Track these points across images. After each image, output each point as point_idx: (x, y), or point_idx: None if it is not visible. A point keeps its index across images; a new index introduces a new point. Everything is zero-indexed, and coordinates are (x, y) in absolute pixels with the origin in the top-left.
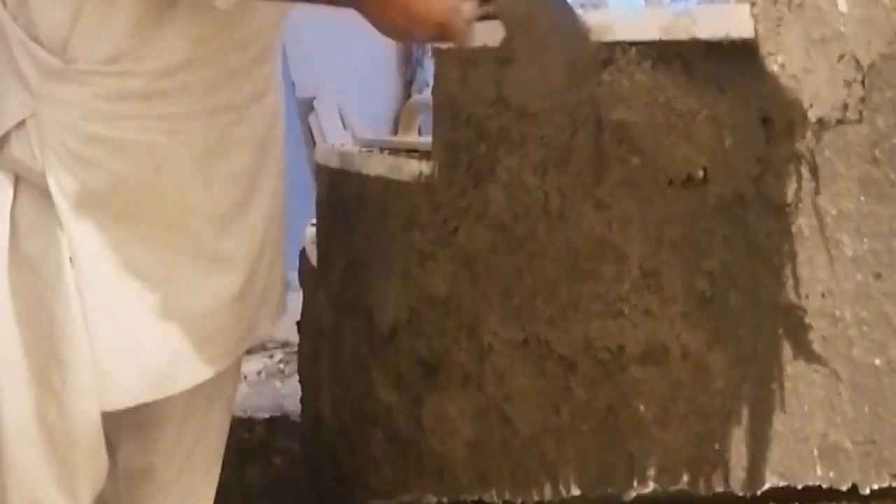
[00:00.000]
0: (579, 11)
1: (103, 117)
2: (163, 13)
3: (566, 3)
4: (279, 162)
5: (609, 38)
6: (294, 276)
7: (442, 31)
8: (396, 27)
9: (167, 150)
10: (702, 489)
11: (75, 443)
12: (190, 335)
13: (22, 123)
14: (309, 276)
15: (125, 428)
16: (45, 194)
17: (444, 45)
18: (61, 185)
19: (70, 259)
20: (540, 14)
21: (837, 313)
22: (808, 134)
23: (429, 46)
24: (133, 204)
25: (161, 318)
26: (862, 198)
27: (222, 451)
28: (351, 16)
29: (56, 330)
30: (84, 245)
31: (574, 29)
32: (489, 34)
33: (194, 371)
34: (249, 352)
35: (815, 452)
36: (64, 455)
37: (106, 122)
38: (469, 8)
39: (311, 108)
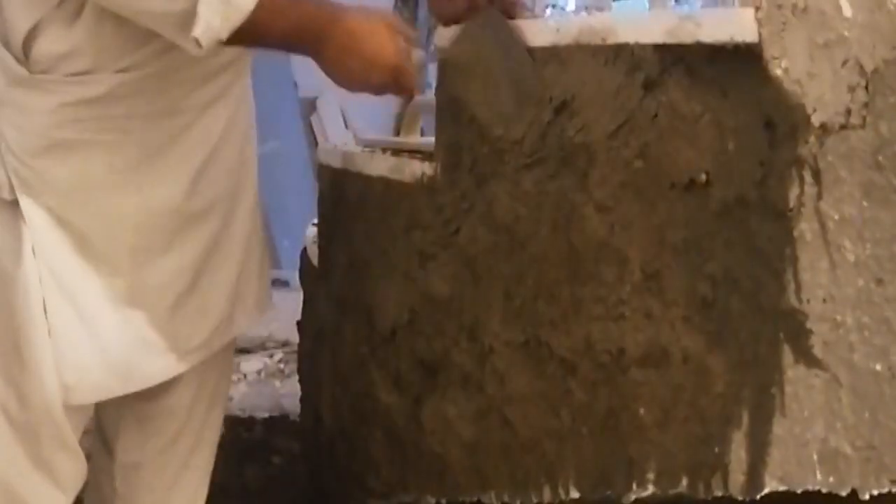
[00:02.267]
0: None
1: (64, 121)
2: (122, 25)
3: (507, 34)
4: (244, 160)
5: (612, 40)
6: (295, 276)
7: (396, 77)
8: (352, 75)
9: (121, 148)
10: (701, 493)
11: (37, 434)
12: (159, 329)
13: None
14: (310, 276)
15: (127, 422)
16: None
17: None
18: (23, 181)
19: (33, 250)
20: (485, 56)
21: (838, 318)
22: (811, 139)
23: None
24: (92, 201)
25: (127, 312)
26: (864, 203)
27: (215, 449)
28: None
29: (15, 322)
30: (46, 239)
31: (518, 63)
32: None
33: (167, 366)
34: (249, 351)
35: (815, 457)
36: (30, 446)
37: (65, 126)
38: (419, 55)
39: (314, 108)
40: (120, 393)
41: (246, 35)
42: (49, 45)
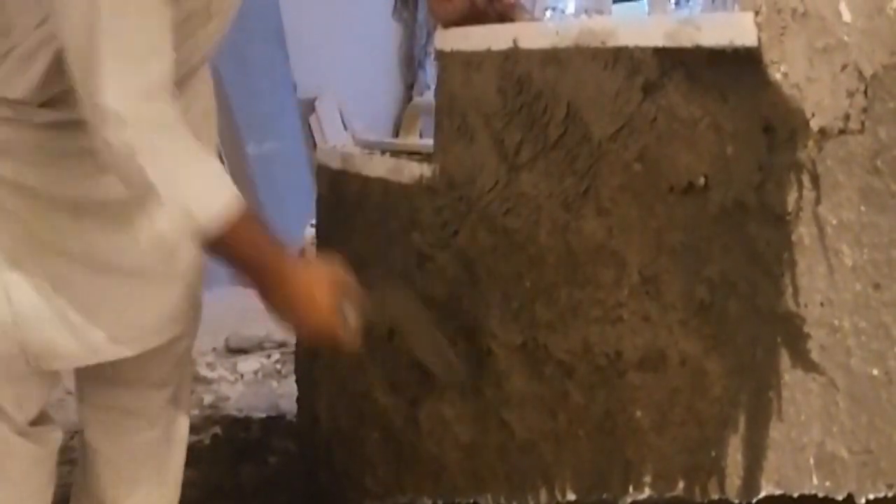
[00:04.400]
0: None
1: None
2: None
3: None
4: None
5: (612, 43)
6: None
7: (326, 334)
8: (288, 320)
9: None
10: (697, 496)
11: None
12: (110, 309)
13: None
14: None
15: (102, 423)
16: None
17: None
18: None
19: None
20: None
21: (836, 323)
22: (810, 143)
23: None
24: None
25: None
26: (862, 208)
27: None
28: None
29: None
30: (13, 231)
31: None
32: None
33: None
34: (246, 351)
35: (812, 461)
36: None
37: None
38: (353, 316)
39: (313, 109)
40: (84, 363)
41: (207, 247)
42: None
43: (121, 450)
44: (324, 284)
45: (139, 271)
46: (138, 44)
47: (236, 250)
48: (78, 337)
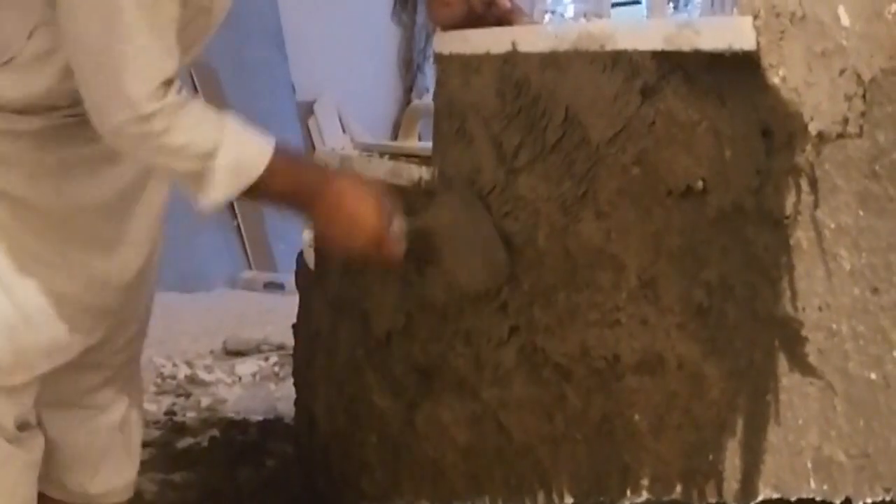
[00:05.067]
0: None
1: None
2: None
3: (483, 213)
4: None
5: (611, 47)
6: (290, 279)
7: (376, 245)
8: (337, 235)
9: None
10: (695, 500)
11: None
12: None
13: None
14: (306, 280)
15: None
16: None
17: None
18: None
19: None
20: (463, 224)
21: (834, 327)
22: (808, 147)
23: (430, 52)
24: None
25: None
26: (861, 212)
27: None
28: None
29: None
30: None
31: (489, 235)
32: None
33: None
34: (244, 354)
35: (809, 465)
36: None
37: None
38: (399, 224)
39: (311, 112)
40: (47, 368)
41: (247, 195)
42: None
43: (80, 439)
44: (370, 198)
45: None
46: (158, 42)
47: (283, 186)
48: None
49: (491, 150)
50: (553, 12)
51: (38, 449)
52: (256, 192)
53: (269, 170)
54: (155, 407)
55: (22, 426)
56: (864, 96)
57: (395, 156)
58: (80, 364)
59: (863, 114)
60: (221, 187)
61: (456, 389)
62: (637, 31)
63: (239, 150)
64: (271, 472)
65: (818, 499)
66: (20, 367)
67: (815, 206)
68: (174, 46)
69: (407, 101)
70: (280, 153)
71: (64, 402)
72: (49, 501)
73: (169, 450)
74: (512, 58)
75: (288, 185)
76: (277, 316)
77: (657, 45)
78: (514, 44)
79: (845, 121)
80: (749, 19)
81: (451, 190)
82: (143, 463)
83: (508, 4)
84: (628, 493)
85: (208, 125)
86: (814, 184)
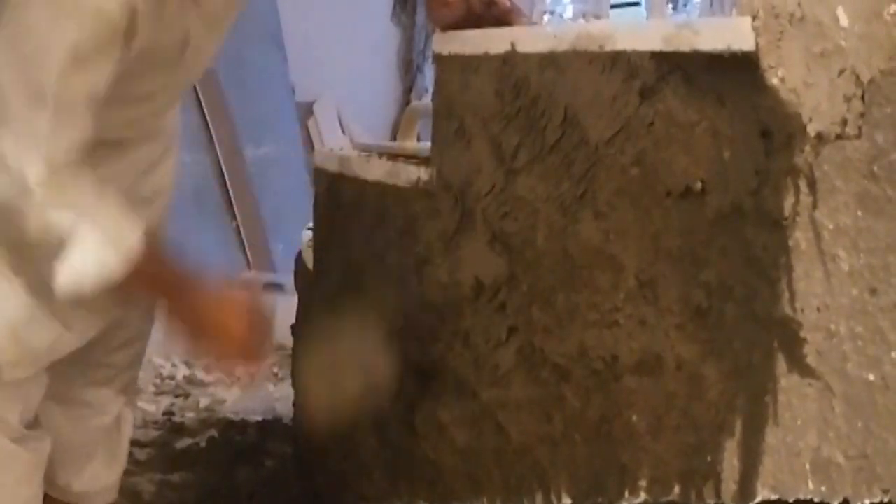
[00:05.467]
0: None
1: None
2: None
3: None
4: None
5: (610, 48)
6: (289, 280)
7: (239, 352)
8: (203, 342)
9: None
10: (693, 501)
11: None
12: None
13: None
14: (304, 280)
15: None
16: None
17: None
18: None
19: None
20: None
21: (832, 328)
22: (807, 148)
23: (429, 53)
24: None
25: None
26: (859, 213)
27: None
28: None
29: None
30: None
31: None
32: None
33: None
34: None
35: (808, 466)
36: None
37: None
38: (267, 325)
39: (311, 112)
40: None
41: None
42: None
43: (74, 436)
44: (231, 303)
45: None
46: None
47: (147, 280)
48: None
49: (490, 151)
50: (552, 13)
51: (45, 450)
52: (128, 277)
53: (139, 258)
54: (153, 407)
55: (29, 424)
56: (862, 97)
57: (394, 156)
58: (76, 360)
59: (861, 115)
60: (76, 271)
61: (455, 390)
62: (636, 32)
63: (101, 237)
64: (270, 473)
65: (816, 500)
66: (24, 361)
67: (814, 206)
68: (76, 116)
69: (406, 101)
70: (155, 250)
71: (59, 398)
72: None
73: (167, 450)
74: (511, 58)
75: (152, 279)
76: (276, 316)
77: (656, 45)
78: (513, 44)
79: (844, 122)
80: (748, 20)
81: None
82: (141, 463)
83: (508, 4)
84: (626, 493)
85: (88, 202)
86: (812, 185)
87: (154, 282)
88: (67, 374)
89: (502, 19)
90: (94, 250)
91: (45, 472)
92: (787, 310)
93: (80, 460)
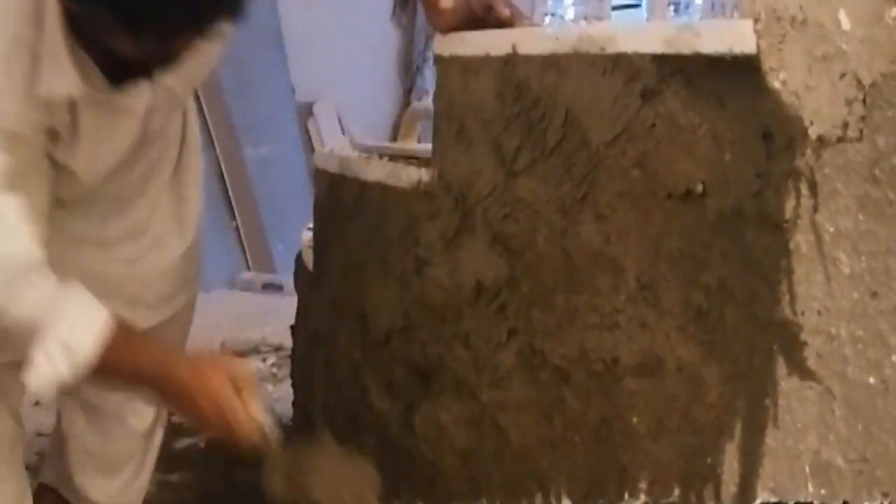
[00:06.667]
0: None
1: None
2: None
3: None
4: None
5: (611, 50)
6: (289, 280)
7: (226, 430)
8: (191, 420)
9: None
10: (693, 503)
11: None
12: None
13: None
14: (304, 281)
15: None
16: None
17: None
18: None
19: None
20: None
21: (833, 331)
22: (808, 151)
23: (430, 54)
24: None
25: None
26: (860, 216)
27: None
28: None
29: None
30: None
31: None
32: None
33: None
34: (242, 355)
35: (808, 469)
36: None
37: None
38: (248, 409)
39: (311, 113)
40: None
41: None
42: None
43: (97, 443)
44: (212, 383)
45: None
46: None
47: (121, 370)
48: None
49: (490, 153)
50: (553, 14)
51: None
52: (93, 372)
53: (106, 350)
54: None
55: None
56: (864, 100)
57: (395, 158)
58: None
59: (863, 118)
60: (49, 367)
61: (454, 391)
62: (637, 34)
63: (69, 328)
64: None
65: (816, 503)
66: None
67: (815, 209)
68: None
69: (406, 102)
70: (121, 336)
71: (84, 405)
72: (50, 498)
73: (167, 450)
74: (512, 60)
75: (126, 367)
76: (276, 317)
77: (657, 47)
78: (514, 46)
79: (845, 125)
80: (749, 23)
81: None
82: None
83: (508, 13)
84: (626, 495)
85: (42, 301)
86: (813, 188)
87: (127, 373)
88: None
89: (503, 24)
90: (55, 355)
91: (65, 477)
92: (788, 313)
93: (106, 473)
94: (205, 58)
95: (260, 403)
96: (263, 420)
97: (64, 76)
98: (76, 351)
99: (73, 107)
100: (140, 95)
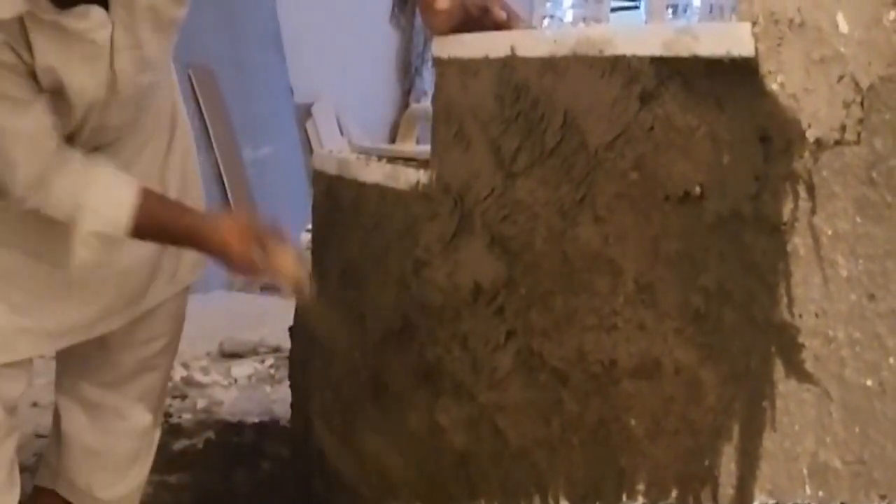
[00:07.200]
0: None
1: None
2: None
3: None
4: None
5: (609, 52)
6: None
7: (250, 269)
8: (225, 266)
9: None
10: None
11: None
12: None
13: None
14: None
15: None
16: None
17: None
18: None
19: None
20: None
21: (831, 333)
22: (806, 154)
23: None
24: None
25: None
26: (858, 219)
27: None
28: None
29: None
30: None
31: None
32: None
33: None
34: (240, 356)
35: (805, 471)
36: None
37: None
38: (265, 252)
39: (309, 114)
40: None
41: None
42: None
43: (100, 441)
44: (234, 231)
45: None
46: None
47: (157, 228)
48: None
49: (489, 154)
50: (552, 17)
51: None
52: (133, 231)
53: (141, 213)
54: None
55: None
56: (862, 103)
57: (393, 159)
58: (87, 355)
59: (860, 121)
60: (90, 226)
61: (452, 393)
62: (636, 37)
63: (102, 199)
64: (267, 475)
65: None
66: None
67: (813, 212)
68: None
69: (405, 104)
70: (151, 201)
71: (83, 402)
72: (48, 500)
73: (165, 451)
74: (511, 62)
75: (163, 225)
76: (274, 318)
77: (656, 50)
78: (512, 48)
79: (843, 128)
80: (748, 25)
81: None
82: None
83: (504, 15)
84: (624, 497)
85: (73, 188)
86: (811, 190)
87: (164, 230)
88: (77, 371)
89: (500, 27)
90: (98, 214)
91: (65, 476)
92: (786, 315)
93: (105, 471)
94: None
95: (286, 249)
96: (289, 265)
97: None
98: (116, 215)
99: (23, 28)
100: (91, 20)
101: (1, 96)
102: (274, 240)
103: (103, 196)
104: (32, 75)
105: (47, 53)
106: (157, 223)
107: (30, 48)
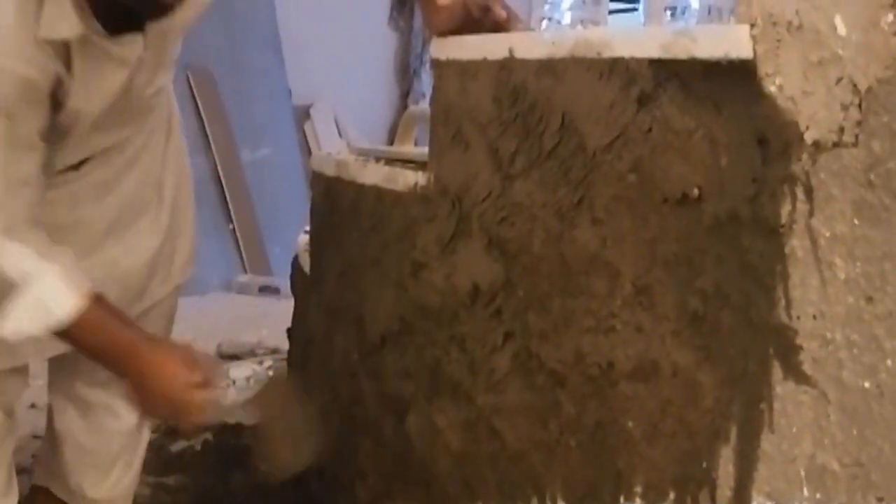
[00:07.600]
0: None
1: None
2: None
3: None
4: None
5: (608, 54)
6: (286, 283)
7: (178, 413)
8: (143, 404)
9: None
10: None
11: None
12: None
13: None
14: (301, 284)
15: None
16: None
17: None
18: None
19: None
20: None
21: (828, 335)
22: (804, 156)
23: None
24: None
25: None
26: (856, 221)
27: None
28: None
29: None
30: None
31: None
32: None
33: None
34: (239, 358)
35: (803, 473)
36: None
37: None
38: (204, 396)
39: (308, 116)
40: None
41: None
42: None
43: (92, 439)
44: (172, 369)
45: None
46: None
47: (90, 345)
48: None
49: (487, 156)
50: (550, 19)
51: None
52: (65, 338)
53: (77, 324)
54: None
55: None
56: (859, 105)
57: (392, 161)
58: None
59: (858, 123)
60: (17, 320)
61: (450, 395)
62: (634, 39)
63: (45, 293)
64: (265, 477)
65: None
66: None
67: (811, 214)
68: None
69: (403, 106)
70: (97, 312)
71: (75, 400)
72: (44, 499)
73: (162, 453)
74: (509, 64)
75: (93, 348)
76: (272, 320)
77: (654, 52)
78: (510, 50)
79: (841, 130)
80: (746, 28)
81: (276, 382)
82: None
83: (505, 14)
84: (621, 499)
85: (25, 264)
86: (809, 192)
87: (92, 344)
88: (70, 370)
89: (499, 27)
90: (34, 308)
91: (58, 475)
92: (784, 317)
93: (98, 469)
94: (193, 10)
95: (220, 395)
96: (219, 408)
97: (65, 19)
98: (53, 312)
99: (67, 50)
100: (132, 46)
101: (8, 134)
102: (205, 383)
103: (50, 289)
104: (51, 97)
105: (81, 74)
106: (97, 331)
107: (69, 68)
